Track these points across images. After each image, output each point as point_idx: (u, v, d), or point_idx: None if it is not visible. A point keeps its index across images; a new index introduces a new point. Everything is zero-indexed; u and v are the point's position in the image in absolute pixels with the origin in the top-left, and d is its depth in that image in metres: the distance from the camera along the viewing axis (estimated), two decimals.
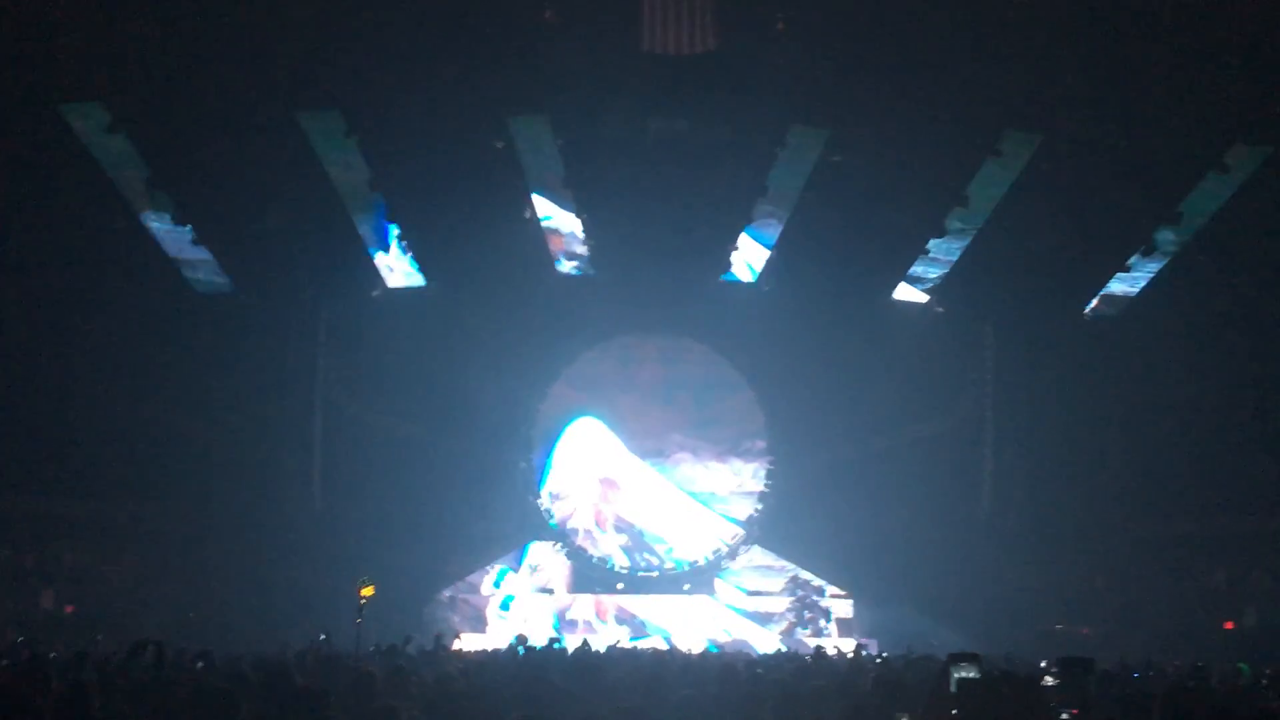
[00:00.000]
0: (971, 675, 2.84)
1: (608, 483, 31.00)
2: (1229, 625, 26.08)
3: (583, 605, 30.04)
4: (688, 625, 28.94)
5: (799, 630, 29.38)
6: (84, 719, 5.61)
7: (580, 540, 30.59)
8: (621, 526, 30.90)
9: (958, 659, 2.82)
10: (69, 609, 26.48)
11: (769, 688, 8.09)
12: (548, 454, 30.94)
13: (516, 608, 29.93)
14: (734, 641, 28.22)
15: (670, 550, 30.67)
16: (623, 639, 26.84)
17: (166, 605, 26.28)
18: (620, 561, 30.48)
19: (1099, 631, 26.04)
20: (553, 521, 30.67)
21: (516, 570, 30.70)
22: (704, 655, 19.42)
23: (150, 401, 28.31)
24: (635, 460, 31.01)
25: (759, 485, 30.94)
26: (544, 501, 30.63)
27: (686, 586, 30.34)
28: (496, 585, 30.55)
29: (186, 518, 28.73)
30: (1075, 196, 24.86)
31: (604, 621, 29.67)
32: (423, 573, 28.44)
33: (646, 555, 30.65)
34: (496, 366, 29.26)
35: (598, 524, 30.84)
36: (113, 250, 26.52)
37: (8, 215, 24.71)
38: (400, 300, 29.18)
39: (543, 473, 30.86)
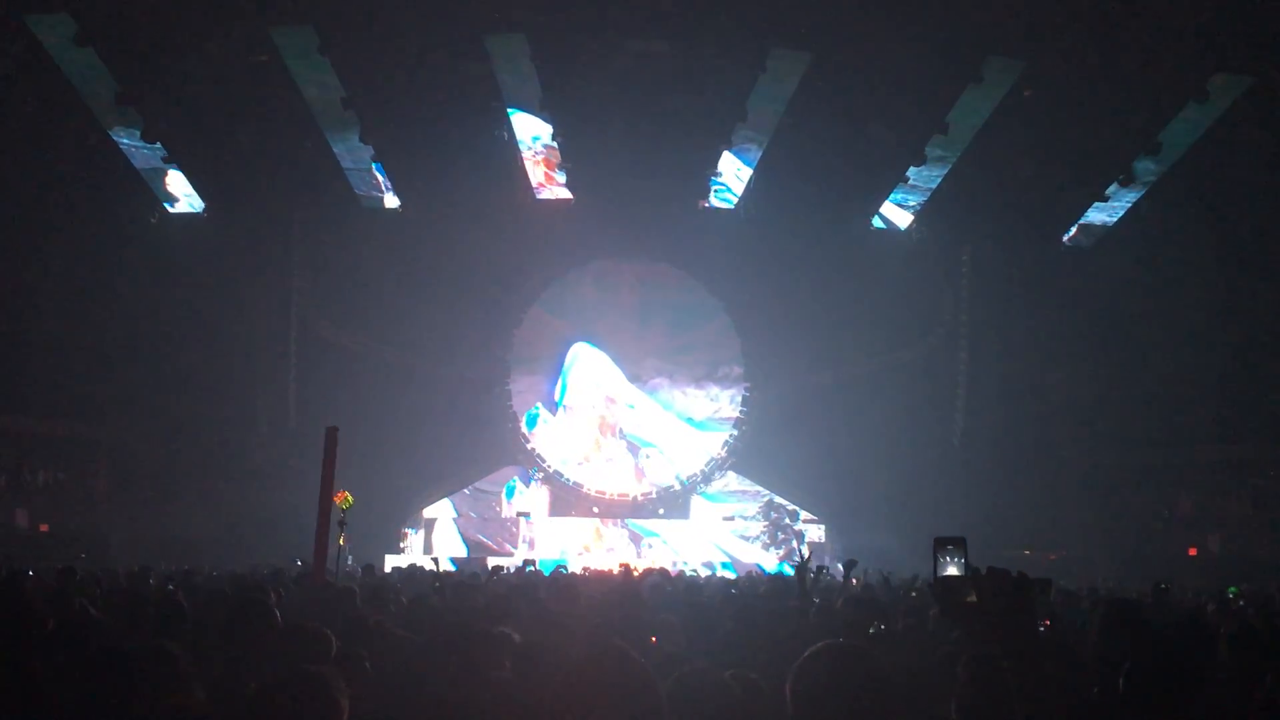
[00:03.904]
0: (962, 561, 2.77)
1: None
2: (1192, 551, 26.57)
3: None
4: (683, 543, 30.06)
5: (772, 551, 29.90)
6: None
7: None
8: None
9: (944, 542, 2.70)
10: (43, 528, 26.47)
11: (741, 606, 8.18)
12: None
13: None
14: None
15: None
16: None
17: (141, 525, 26.30)
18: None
19: (1066, 556, 26.46)
20: (530, 445, 30.98)
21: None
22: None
23: (122, 320, 28.10)
24: (624, 383, 31.28)
25: (735, 411, 31.12)
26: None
27: (661, 511, 30.69)
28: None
29: (161, 438, 28.68)
30: (1055, 125, 24.74)
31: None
32: (398, 495, 28.54)
33: (645, 460, 31.10)
34: (472, 290, 29.17)
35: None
36: (81, 166, 26.08)
37: None
38: (375, 221, 28.92)
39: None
